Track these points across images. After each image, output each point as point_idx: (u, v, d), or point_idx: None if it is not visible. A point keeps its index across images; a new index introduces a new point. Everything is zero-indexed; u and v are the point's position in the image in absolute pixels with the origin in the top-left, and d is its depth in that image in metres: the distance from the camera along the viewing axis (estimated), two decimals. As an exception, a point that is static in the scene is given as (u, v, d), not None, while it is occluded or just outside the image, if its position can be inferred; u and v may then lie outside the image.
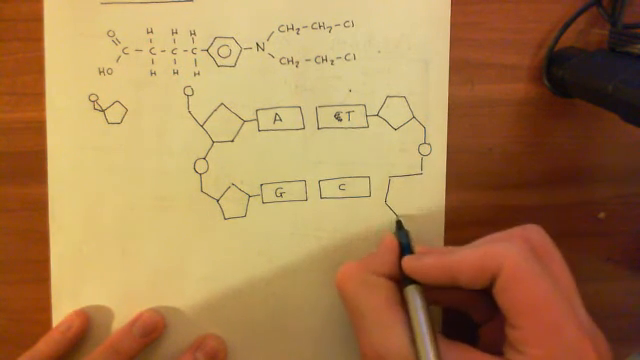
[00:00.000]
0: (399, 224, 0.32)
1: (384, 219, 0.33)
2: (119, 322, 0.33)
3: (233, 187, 0.33)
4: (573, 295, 0.26)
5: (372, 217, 0.33)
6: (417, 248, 0.30)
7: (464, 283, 0.26)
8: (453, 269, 0.26)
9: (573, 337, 0.24)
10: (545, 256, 0.26)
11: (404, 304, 0.27)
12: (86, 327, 0.32)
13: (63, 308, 0.33)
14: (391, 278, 0.29)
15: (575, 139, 0.34)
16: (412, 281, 0.28)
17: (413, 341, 0.26)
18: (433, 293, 0.28)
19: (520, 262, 0.24)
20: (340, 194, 0.33)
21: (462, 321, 0.30)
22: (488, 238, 0.28)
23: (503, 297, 0.25)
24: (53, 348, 0.31)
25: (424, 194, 0.33)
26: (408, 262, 0.28)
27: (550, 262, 0.26)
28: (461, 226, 0.34)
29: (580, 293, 0.26)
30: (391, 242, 0.30)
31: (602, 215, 0.35)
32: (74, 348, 0.32)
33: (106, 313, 0.33)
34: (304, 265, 0.33)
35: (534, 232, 0.27)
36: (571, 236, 0.35)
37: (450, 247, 0.29)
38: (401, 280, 0.28)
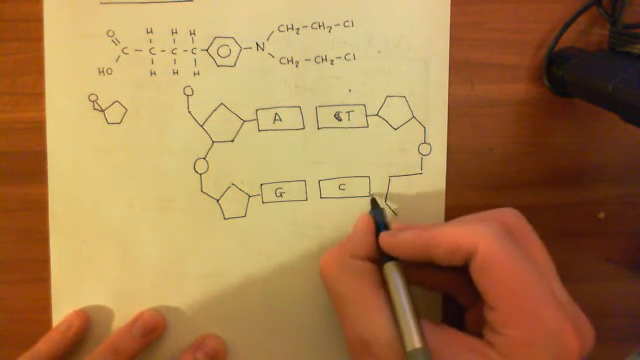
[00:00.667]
0: (374, 202, 0.32)
1: (384, 219, 0.33)
2: (119, 322, 0.33)
3: (233, 187, 0.33)
4: (552, 276, 0.26)
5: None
6: (393, 224, 0.30)
7: (438, 259, 0.26)
8: (429, 244, 0.26)
9: (552, 318, 0.24)
10: (522, 238, 0.26)
11: (385, 286, 0.27)
12: (86, 327, 0.32)
13: (63, 308, 0.33)
14: (371, 259, 0.29)
15: (575, 139, 0.34)
16: (390, 258, 0.27)
17: (396, 322, 0.25)
18: (417, 274, 0.28)
19: (496, 243, 0.24)
20: (340, 194, 0.33)
21: (446, 306, 0.30)
22: (463, 218, 0.28)
23: (479, 278, 0.25)
24: (53, 348, 0.31)
25: (424, 194, 0.33)
26: (385, 238, 0.28)
27: (527, 244, 0.26)
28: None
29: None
30: (367, 222, 0.30)
31: (602, 215, 0.35)
32: (74, 348, 0.32)
33: (106, 313, 0.33)
34: (304, 265, 0.33)
35: (510, 215, 0.27)
36: (571, 236, 0.35)
37: (428, 224, 0.28)
38: (379, 258, 0.28)
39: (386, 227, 0.30)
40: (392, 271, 0.27)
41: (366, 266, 0.28)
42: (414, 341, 0.24)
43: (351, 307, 0.27)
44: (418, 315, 0.26)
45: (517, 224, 0.27)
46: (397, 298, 0.26)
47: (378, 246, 0.28)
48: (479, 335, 0.26)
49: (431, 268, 0.29)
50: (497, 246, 0.24)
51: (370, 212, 0.30)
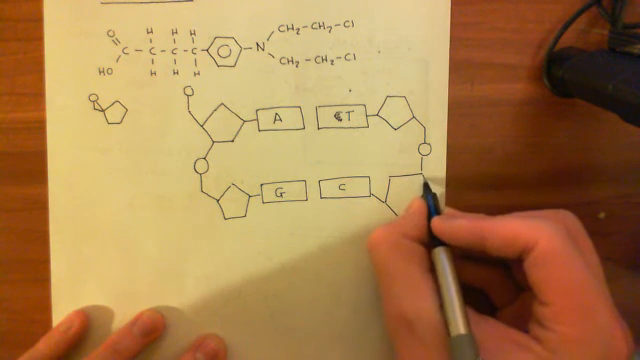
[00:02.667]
0: (426, 186, 0.32)
1: (384, 219, 0.33)
2: (119, 322, 0.33)
3: (233, 187, 0.33)
4: (603, 283, 0.26)
5: (372, 217, 0.33)
6: (446, 210, 0.30)
7: (493, 249, 0.26)
8: (485, 233, 0.26)
9: (606, 321, 0.24)
10: (578, 241, 0.26)
11: (434, 271, 0.27)
12: (86, 327, 0.32)
13: (63, 308, 0.33)
14: (421, 242, 0.29)
15: (575, 139, 0.34)
16: (440, 243, 0.28)
17: (442, 307, 0.25)
18: (458, 268, 0.28)
19: (557, 240, 0.24)
20: (340, 194, 0.33)
21: (479, 304, 0.30)
22: (522, 213, 0.27)
23: (536, 272, 0.25)
24: (53, 348, 0.31)
25: (424, 194, 0.33)
26: (438, 222, 0.28)
27: (583, 248, 0.26)
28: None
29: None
30: (420, 205, 0.30)
31: (602, 215, 0.35)
32: (74, 348, 0.32)
33: (106, 313, 0.33)
34: (304, 265, 0.33)
35: (568, 216, 0.27)
36: (571, 236, 0.35)
37: (479, 214, 0.28)
38: (429, 242, 0.28)
39: (438, 212, 0.30)
40: (442, 256, 0.27)
41: (417, 248, 0.28)
42: (460, 327, 0.24)
43: (398, 285, 0.27)
44: (464, 302, 0.25)
45: (574, 226, 0.27)
46: (444, 283, 0.26)
47: (430, 230, 0.28)
48: None
49: (473, 262, 0.28)
50: (558, 243, 0.24)
51: (423, 196, 0.30)
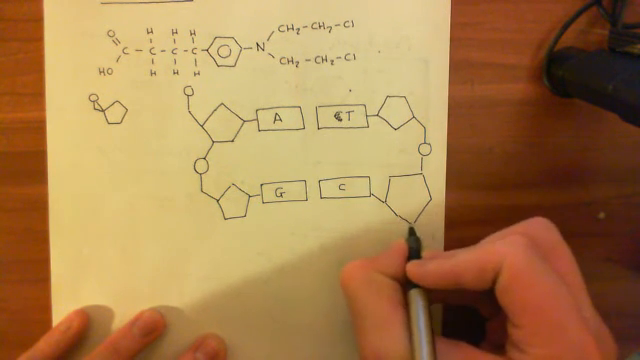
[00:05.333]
0: (412, 231, 0.32)
1: (384, 219, 0.33)
2: (119, 322, 0.33)
3: (233, 187, 0.33)
4: (580, 292, 0.26)
5: (372, 217, 0.33)
6: (424, 253, 0.29)
7: (467, 285, 0.26)
8: (455, 273, 0.26)
9: (576, 337, 0.23)
10: (550, 251, 0.26)
11: (407, 305, 0.27)
12: (86, 327, 0.32)
13: (63, 308, 0.33)
14: (396, 279, 0.29)
15: (575, 139, 0.34)
16: (416, 285, 0.28)
17: (411, 345, 0.26)
18: (440, 294, 0.28)
19: (520, 260, 0.24)
20: (340, 194, 0.33)
21: (468, 314, 0.30)
22: (491, 237, 0.27)
23: (504, 296, 0.24)
24: (53, 347, 0.31)
25: (424, 194, 0.33)
26: (412, 267, 0.28)
27: (556, 258, 0.26)
28: (461, 226, 0.34)
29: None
30: (400, 247, 0.30)
31: (602, 215, 0.35)
32: (74, 348, 0.32)
33: (106, 313, 0.33)
34: (304, 265, 0.33)
35: (540, 227, 0.27)
36: (571, 236, 0.34)
37: (454, 251, 0.28)
38: (405, 284, 0.28)
39: (418, 256, 0.29)
40: (416, 297, 0.27)
41: (390, 283, 0.28)
42: None
43: (369, 320, 0.27)
44: (434, 342, 0.25)
45: (546, 236, 0.26)
46: (415, 324, 0.26)
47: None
48: (500, 345, 0.25)
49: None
50: (521, 263, 0.24)
51: (406, 239, 0.30)
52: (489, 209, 0.34)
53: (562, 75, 0.31)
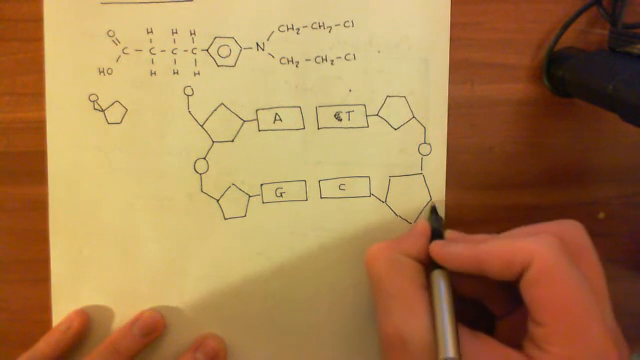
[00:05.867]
0: (434, 209, 0.32)
1: (384, 219, 0.33)
2: (119, 322, 0.33)
3: (233, 187, 0.33)
4: (603, 298, 0.26)
5: (372, 217, 0.33)
6: (447, 234, 0.29)
7: (491, 274, 0.26)
8: (481, 259, 0.26)
9: (599, 340, 0.23)
10: (579, 254, 0.26)
11: (429, 287, 0.27)
12: (86, 326, 0.32)
13: (63, 308, 0.33)
14: (420, 261, 0.29)
15: (575, 139, 0.34)
16: (439, 266, 0.27)
17: (434, 328, 0.25)
18: (456, 282, 0.28)
19: (550, 259, 0.24)
20: (340, 194, 0.33)
21: (478, 313, 0.30)
22: (520, 231, 0.27)
23: (530, 292, 0.24)
24: (53, 347, 0.31)
25: (424, 194, 0.33)
26: (436, 247, 0.28)
27: (583, 262, 0.26)
28: (461, 226, 0.34)
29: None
30: (424, 227, 0.30)
31: (602, 215, 0.35)
32: (74, 347, 0.32)
33: (106, 313, 0.33)
34: (304, 265, 0.33)
35: (570, 229, 0.27)
36: (571, 236, 0.35)
37: (480, 235, 0.28)
38: (428, 264, 0.28)
39: (441, 236, 0.30)
40: (439, 279, 0.27)
41: (414, 265, 0.28)
42: (448, 350, 0.24)
43: (393, 302, 0.27)
44: (457, 324, 0.25)
45: (576, 239, 0.26)
46: (439, 305, 0.26)
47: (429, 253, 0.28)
48: (509, 345, 0.25)
49: (467, 275, 0.29)
50: (551, 262, 0.24)
51: (429, 219, 0.30)
52: (489, 209, 0.34)
53: (562, 75, 0.31)
